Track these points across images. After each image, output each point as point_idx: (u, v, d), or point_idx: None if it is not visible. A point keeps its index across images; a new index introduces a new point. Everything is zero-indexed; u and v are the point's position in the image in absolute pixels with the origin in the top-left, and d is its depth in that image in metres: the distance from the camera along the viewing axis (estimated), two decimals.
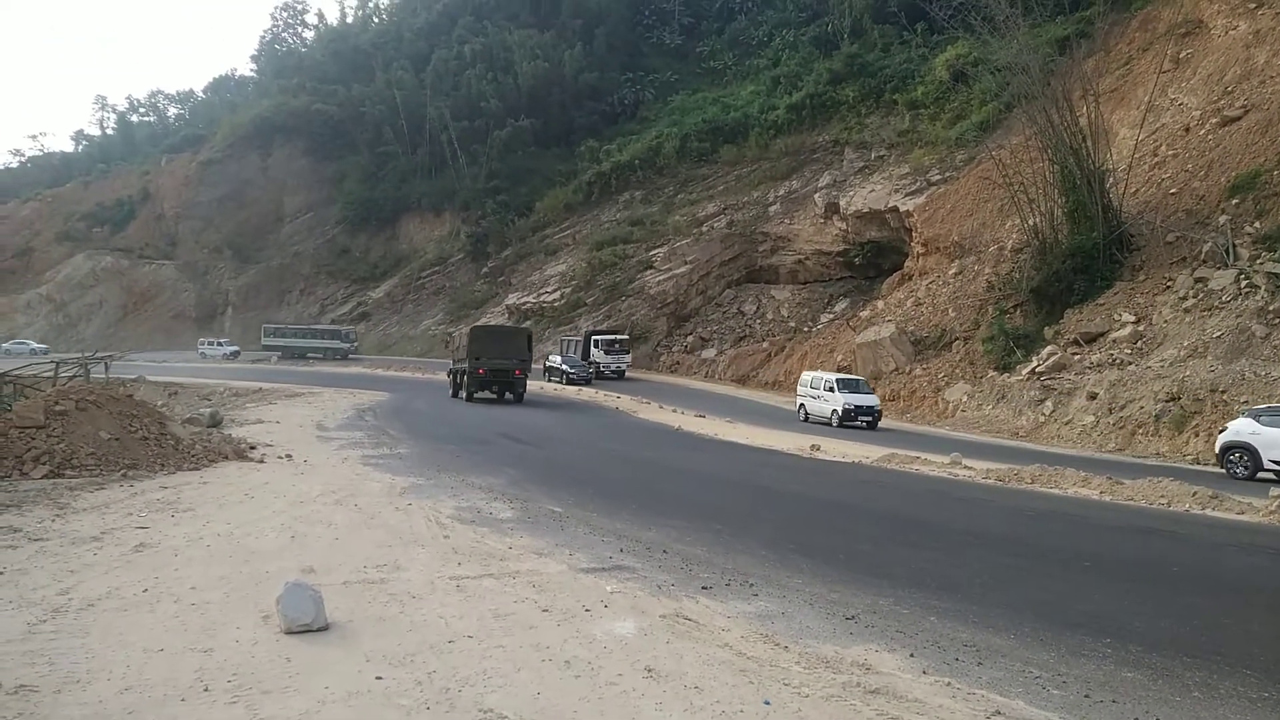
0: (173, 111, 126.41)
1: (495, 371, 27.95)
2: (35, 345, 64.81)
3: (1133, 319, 26.70)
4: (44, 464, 10.80)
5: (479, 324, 37.90)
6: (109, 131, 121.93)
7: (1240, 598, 7.72)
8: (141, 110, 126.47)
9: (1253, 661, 5.66)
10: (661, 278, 55.44)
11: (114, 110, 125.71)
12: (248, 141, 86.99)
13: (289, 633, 5.39)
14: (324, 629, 5.51)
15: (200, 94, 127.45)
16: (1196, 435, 21.06)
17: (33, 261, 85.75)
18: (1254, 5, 33.49)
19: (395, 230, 78.22)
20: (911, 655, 5.59)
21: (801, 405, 29.05)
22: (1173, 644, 6.00)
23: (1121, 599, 7.32)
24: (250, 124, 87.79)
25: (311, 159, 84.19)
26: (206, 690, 4.48)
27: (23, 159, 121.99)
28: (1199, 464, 19.67)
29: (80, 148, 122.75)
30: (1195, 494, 13.15)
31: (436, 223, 75.51)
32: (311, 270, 79.09)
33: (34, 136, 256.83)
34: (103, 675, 4.62)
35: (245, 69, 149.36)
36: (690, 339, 52.88)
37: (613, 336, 47.88)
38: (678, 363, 50.06)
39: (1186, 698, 4.99)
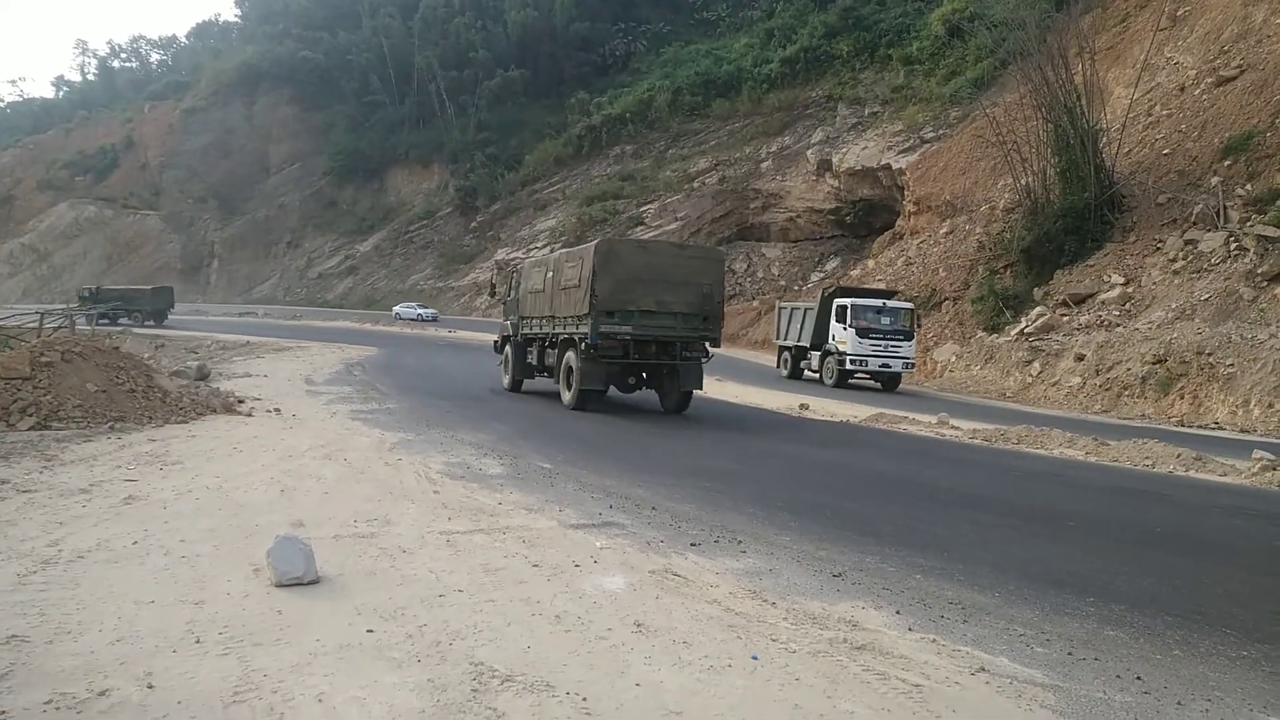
0: (155, 57, 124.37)
1: (157, 311, 47.43)
2: (423, 311, 56.84)
3: (1122, 281, 26.77)
4: (30, 415, 10.73)
5: (160, 284, 55.86)
6: (90, 77, 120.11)
7: (1221, 558, 7.83)
8: (123, 55, 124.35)
9: (1232, 621, 5.76)
10: (652, 234, 55.20)
11: (95, 55, 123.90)
12: (232, 89, 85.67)
13: (279, 586, 5.40)
14: (314, 582, 5.52)
15: (183, 39, 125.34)
16: (1182, 397, 21.25)
17: (14, 210, 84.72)
18: None
19: (383, 182, 77.46)
20: (897, 612, 5.65)
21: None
22: (1155, 603, 6.09)
23: (1105, 558, 7.41)
24: (235, 71, 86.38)
25: (297, 108, 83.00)
26: (198, 642, 4.49)
27: (2, 105, 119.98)
28: (1184, 426, 19.87)
29: (61, 94, 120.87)
30: (1179, 456, 13.30)
31: (425, 175, 74.78)
32: (298, 222, 78.39)
33: (13, 82, 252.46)
34: (94, 626, 4.63)
35: (229, 14, 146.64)
36: None
37: (881, 302, 26.61)
38: None
39: (1167, 655, 5.08)
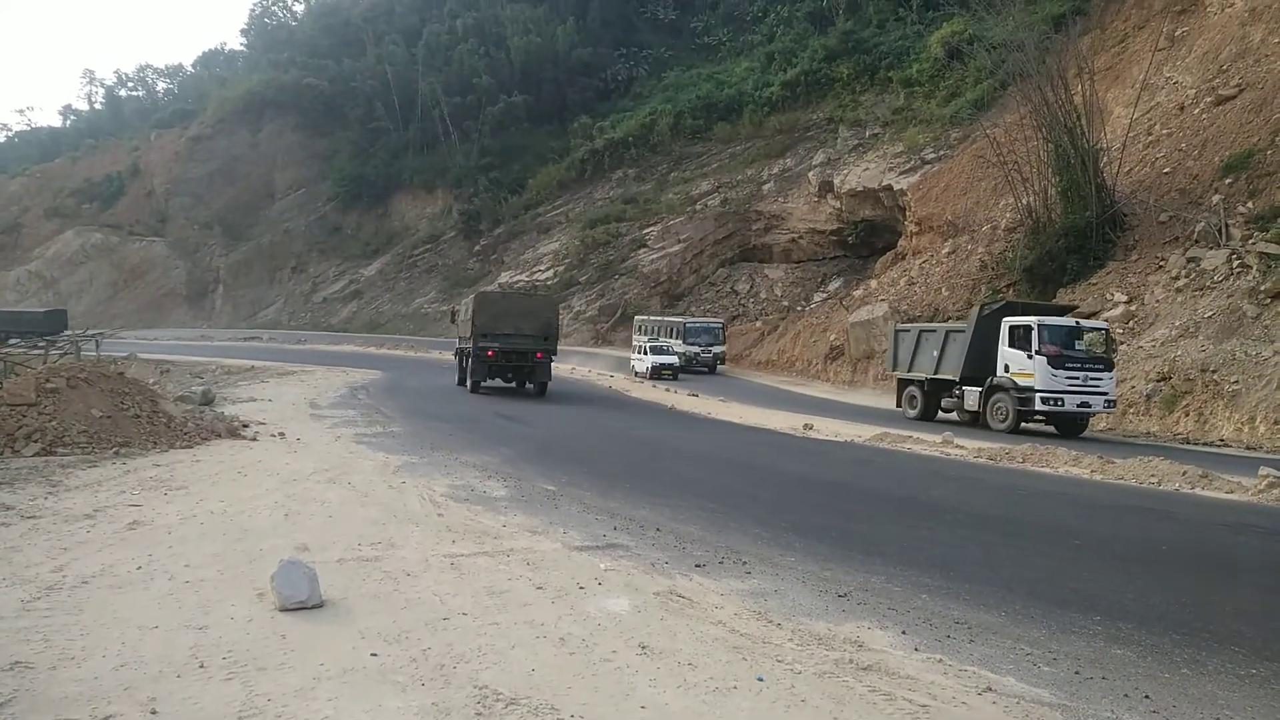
0: (161, 86, 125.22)
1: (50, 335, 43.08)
2: None
3: (1125, 299, 26.75)
4: (36, 441, 10.76)
5: (55, 308, 51.88)
6: (97, 106, 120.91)
7: (1229, 575, 7.79)
8: (130, 85, 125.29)
9: (1240, 638, 5.72)
10: (655, 256, 55.36)
11: (102, 84, 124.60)
12: (238, 117, 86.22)
13: (284, 610, 5.40)
14: (319, 606, 5.51)
15: (189, 68, 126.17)
16: (1187, 415, 21.18)
17: (21, 238, 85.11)
18: None
19: (387, 207, 77.80)
20: (903, 632, 5.63)
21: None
22: (1162, 621, 6.06)
23: (1112, 577, 7.38)
24: (240, 99, 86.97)
25: (302, 135, 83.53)
26: (202, 667, 4.48)
27: (10, 134, 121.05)
28: (1190, 443, 19.79)
29: (68, 123, 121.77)
30: (1185, 473, 13.24)
31: (429, 200, 75.11)
32: (303, 248, 78.68)
33: (21, 111, 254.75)
34: (98, 652, 4.63)
35: (235, 43, 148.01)
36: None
37: (1074, 321, 21.38)
38: None
39: (1175, 674, 5.05)
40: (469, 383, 25.91)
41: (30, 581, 5.80)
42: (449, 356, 44.55)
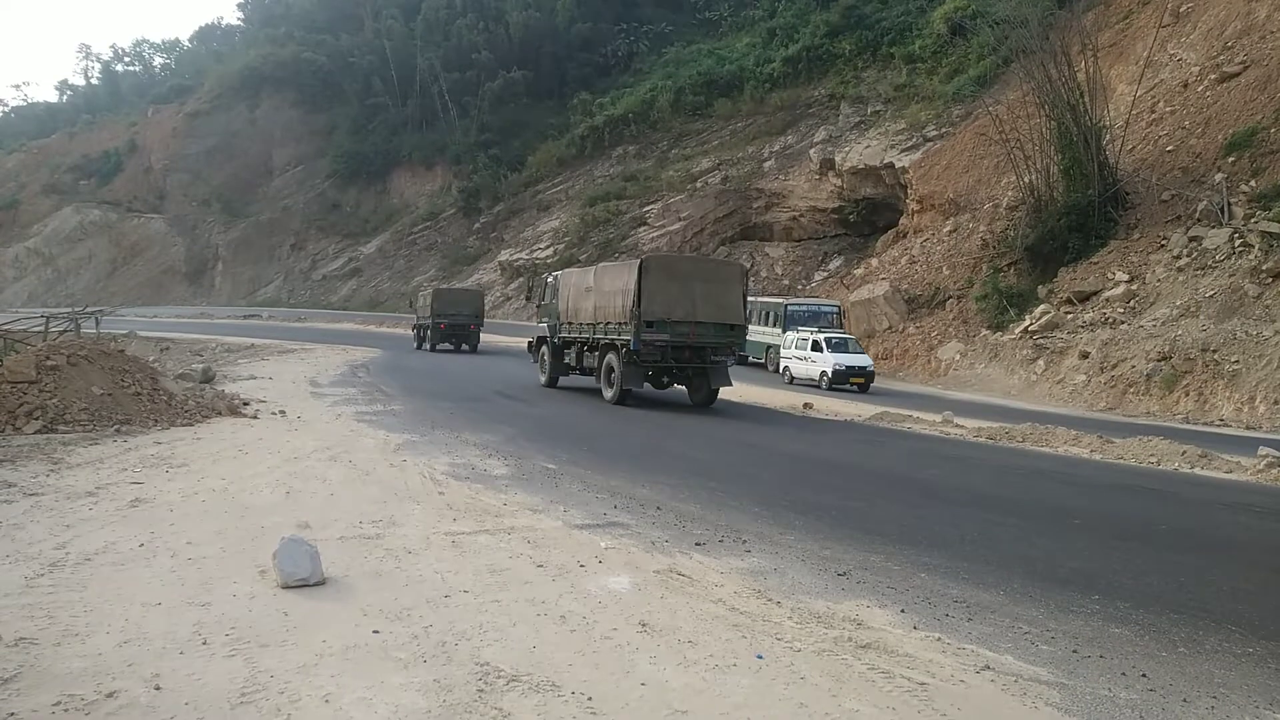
0: (158, 61, 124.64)
1: None
2: None
3: (1126, 278, 26.69)
4: (37, 419, 10.76)
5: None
6: (94, 81, 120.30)
7: (1227, 555, 7.82)
8: (126, 60, 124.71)
9: (1238, 618, 5.75)
10: (655, 234, 55.13)
11: (98, 59, 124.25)
12: (235, 92, 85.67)
13: (286, 587, 5.42)
14: (321, 584, 5.54)
15: (186, 43, 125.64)
16: (1187, 395, 21.20)
17: (19, 215, 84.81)
18: None
19: (386, 184, 77.41)
20: (902, 611, 5.65)
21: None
22: (1160, 600, 6.09)
23: (1110, 556, 7.41)
24: (238, 74, 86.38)
25: (300, 110, 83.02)
26: (205, 643, 4.51)
27: (6, 109, 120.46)
28: (1189, 423, 19.81)
29: (65, 98, 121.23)
30: (1184, 453, 13.28)
31: (428, 177, 74.70)
32: (302, 225, 78.36)
33: (17, 86, 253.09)
34: (101, 628, 4.65)
35: (232, 17, 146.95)
36: None
37: None
38: None
39: (1173, 653, 5.08)
40: (428, 345, 37.02)
41: (33, 559, 5.82)
42: None
